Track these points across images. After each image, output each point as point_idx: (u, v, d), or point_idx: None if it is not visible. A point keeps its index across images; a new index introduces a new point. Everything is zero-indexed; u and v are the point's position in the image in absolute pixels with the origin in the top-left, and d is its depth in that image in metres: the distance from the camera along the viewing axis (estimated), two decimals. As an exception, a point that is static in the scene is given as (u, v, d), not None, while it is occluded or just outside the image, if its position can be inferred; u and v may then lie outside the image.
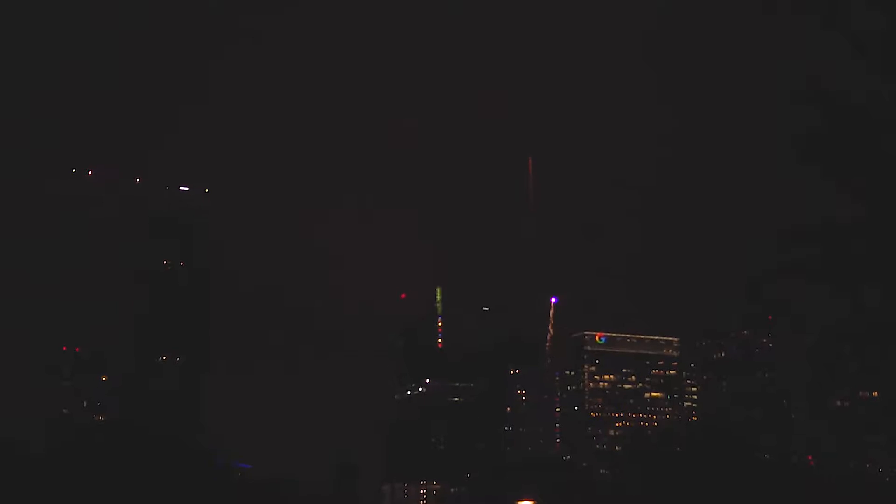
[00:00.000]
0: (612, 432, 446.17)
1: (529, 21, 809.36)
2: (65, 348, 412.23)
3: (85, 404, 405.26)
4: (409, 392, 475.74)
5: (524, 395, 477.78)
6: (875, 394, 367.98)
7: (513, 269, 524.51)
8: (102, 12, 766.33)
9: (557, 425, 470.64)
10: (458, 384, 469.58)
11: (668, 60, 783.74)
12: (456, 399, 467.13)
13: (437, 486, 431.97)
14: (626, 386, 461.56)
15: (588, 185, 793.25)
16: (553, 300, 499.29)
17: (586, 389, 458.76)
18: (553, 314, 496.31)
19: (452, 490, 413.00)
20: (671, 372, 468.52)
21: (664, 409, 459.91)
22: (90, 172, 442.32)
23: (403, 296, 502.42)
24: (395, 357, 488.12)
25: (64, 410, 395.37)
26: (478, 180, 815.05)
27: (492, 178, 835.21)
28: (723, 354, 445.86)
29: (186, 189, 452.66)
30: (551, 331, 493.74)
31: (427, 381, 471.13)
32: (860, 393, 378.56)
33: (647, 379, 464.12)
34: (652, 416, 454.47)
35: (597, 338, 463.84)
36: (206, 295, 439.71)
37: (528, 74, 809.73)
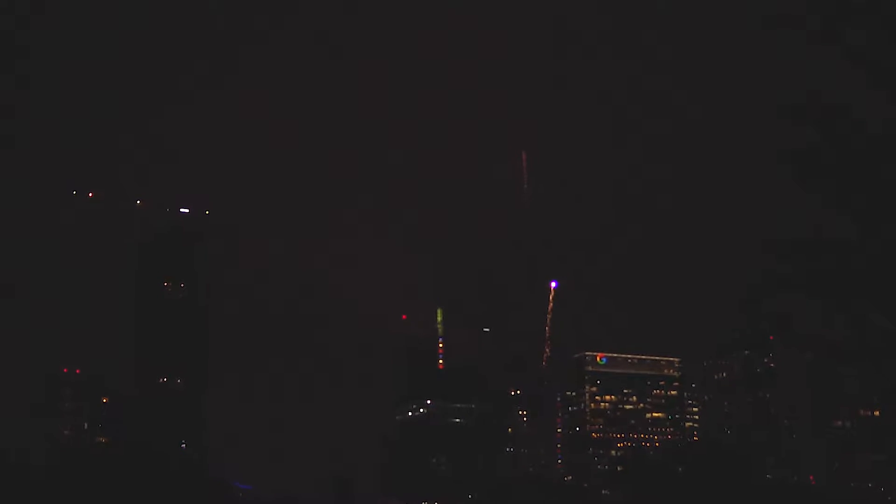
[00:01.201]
0: (613, 453, 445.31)
1: (525, 22, 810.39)
2: (66, 370, 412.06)
3: (86, 426, 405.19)
4: (410, 413, 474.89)
5: (525, 415, 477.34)
6: (876, 413, 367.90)
7: (513, 288, 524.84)
8: (102, 30, 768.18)
9: (559, 446, 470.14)
10: (459, 405, 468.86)
11: (666, 78, 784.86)
12: (457, 420, 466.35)
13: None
14: (628, 406, 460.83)
15: (587, 201, 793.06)
16: (553, 284, 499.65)
17: (587, 410, 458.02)
18: (553, 298, 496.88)
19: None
20: (672, 392, 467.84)
21: (666, 430, 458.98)
22: (91, 195, 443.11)
23: (405, 317, 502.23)
24: (396, 378, 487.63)
25: (65, 432, 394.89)
26: (478, 202, 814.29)
27: (492, 201, 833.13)
28: (724, 374, 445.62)
29: (187, 211, 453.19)
30: (550, 314, 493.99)
31: (428, 401, 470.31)
32: (861, 412, 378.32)
33: (649, 399, 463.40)
34: (653, 437, 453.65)
35: (598, 358, 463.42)
36: (206, 316, 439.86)
37: (527, 88, 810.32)
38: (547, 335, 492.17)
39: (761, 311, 40.11)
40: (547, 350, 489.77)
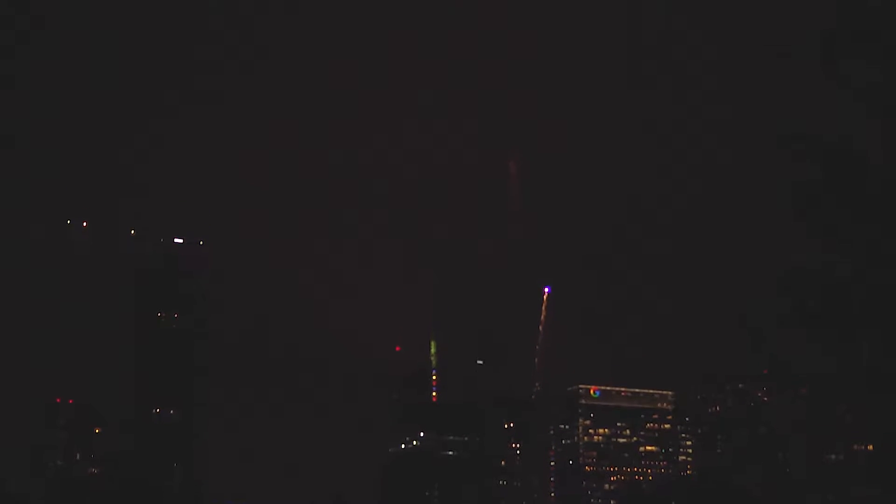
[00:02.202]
0: (607, 486, 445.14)
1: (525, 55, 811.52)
2: (59, 399, 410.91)
3: (78, 456, 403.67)
4: (403, 445, 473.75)
5: (518, 448, 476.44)
6: (870, 447, 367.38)
7: (506, 323, 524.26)
8: (100, 61, 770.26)
9: (552, 479, 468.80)
10: (452, 437, 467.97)
11: (665, 113, 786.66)
12: (450, 452, 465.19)
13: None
14: (621, 440, 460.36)
15: (583, 234, 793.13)
16: (546, 290, 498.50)
17: (581, 443, 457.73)
18: (546, 304, 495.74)
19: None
20: (666, 426, 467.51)
21: (659, 463, 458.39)
22: (85, 224, 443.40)
23: (398, 349, 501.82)
24: (389, 410, 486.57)
25: (58, 462, 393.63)
26: (473, 234, 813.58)
27: (487, 232, 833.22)
28: (717, 408, 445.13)
29: (181, 241, 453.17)
30: (543, 319, 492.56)
31: (421, 434, 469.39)
32: (855, 446, 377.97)
33: (642, 433, 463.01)
34: (647, 470, 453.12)
35: (591, 391, 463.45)
36: (202, 346, 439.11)
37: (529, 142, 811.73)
38: (538, 342, 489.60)
39: (757, 345, 40.55)
40: (537, 385, 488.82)
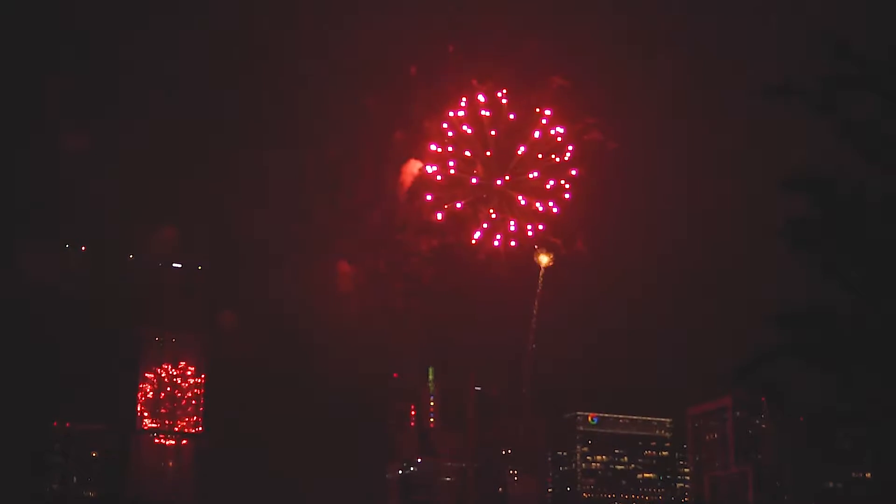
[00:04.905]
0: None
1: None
2: (55, 423, 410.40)
3: (75, 479, 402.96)
4: (400, 472, 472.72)
5: (516, 474, 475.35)
6: (868, 475, 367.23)
7: (503, 350, 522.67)
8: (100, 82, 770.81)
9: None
10: (450, 464, 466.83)
11: (665, 146, 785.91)
12: (448, 479, 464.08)
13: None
14: (619, 467, 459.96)
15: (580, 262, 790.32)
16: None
17: (579, 470, 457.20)
18: (542, 277, 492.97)
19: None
20: (663, 453, 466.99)
21: (657, 490, 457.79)
22: (83, 248, 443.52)
23: (396, 375, 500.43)
24: (386, 436, 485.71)
25: (54, 486, 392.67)
26: (470, 254, 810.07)
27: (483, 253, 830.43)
28: (715, 436, 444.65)
29: (180, 266, 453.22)
30: (539, 293, 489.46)
31: (419, 460, 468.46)
32: (853, 473, 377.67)
33: (640, 460, 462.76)
34: (644, 497, 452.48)
35: (589, 418, 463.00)
36: (200, 371, 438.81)
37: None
38: (533, 320, 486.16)
39: (755, 375, 40.82)
40: (525, 401, 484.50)
